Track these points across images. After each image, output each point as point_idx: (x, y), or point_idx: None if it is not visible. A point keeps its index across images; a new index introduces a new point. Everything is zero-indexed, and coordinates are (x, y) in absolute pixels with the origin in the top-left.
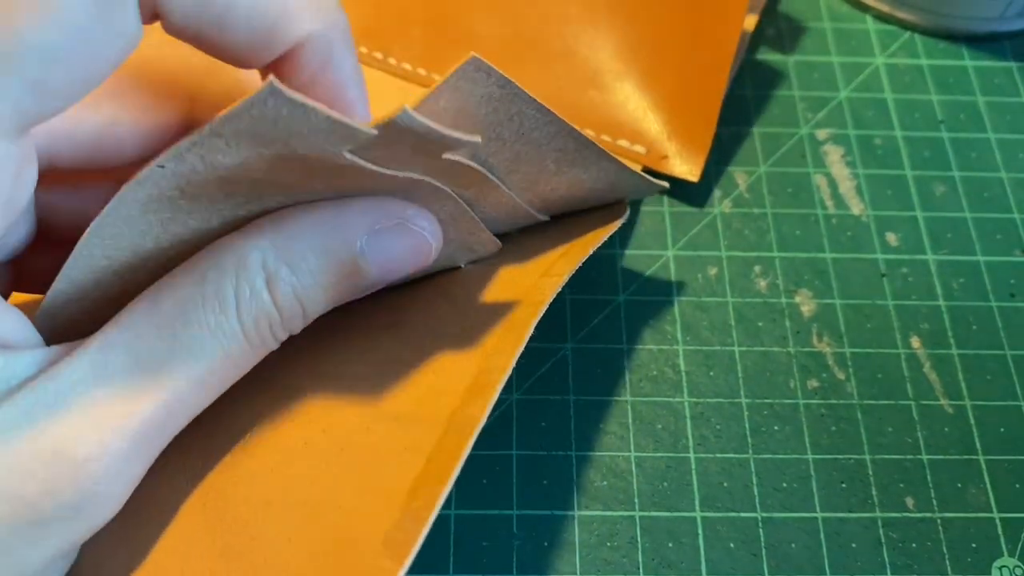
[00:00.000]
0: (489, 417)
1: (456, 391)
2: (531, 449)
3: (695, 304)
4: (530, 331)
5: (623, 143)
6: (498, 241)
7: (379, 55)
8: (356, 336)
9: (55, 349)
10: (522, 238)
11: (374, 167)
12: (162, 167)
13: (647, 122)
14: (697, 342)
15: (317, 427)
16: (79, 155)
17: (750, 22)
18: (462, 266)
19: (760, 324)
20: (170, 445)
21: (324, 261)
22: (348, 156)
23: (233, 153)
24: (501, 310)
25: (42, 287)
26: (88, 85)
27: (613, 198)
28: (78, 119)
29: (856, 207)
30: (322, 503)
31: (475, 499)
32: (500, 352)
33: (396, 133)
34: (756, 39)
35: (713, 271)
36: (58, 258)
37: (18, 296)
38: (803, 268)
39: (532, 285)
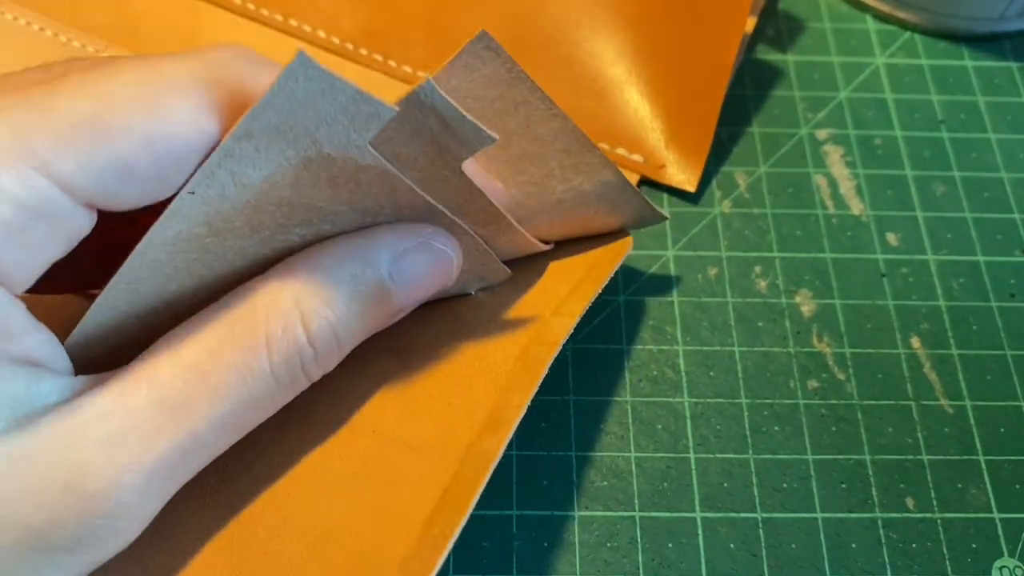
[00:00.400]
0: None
1: (472, 425)
2: (531, 449)
3: (695, 304)
4: (545, 371)
5: (621, 151)
6: (509, 271)
7: (379, 57)
8: (370, 363)
9: (82, 379)
10: (529, 263)
11: (396, 172)
12: (192, 193)
13: (645, 131)
14: (697, 342)
15: (334, 452)
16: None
17: (749, 24)
18: (472, 293)
19: (760, 324)
20: None
21: (355, 290)
22: (371, 153)
23: (262, 162)
24: (514, 345)
25: (63, 287)
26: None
27: (615, 224)
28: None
29: (856, 207)
30: (338, 527)
31: None
32: (515, 390)
33: (418, 114)
34: (755, 39)
35: (713, 271)
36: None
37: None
38: (803, 268)
39: (544, 323)
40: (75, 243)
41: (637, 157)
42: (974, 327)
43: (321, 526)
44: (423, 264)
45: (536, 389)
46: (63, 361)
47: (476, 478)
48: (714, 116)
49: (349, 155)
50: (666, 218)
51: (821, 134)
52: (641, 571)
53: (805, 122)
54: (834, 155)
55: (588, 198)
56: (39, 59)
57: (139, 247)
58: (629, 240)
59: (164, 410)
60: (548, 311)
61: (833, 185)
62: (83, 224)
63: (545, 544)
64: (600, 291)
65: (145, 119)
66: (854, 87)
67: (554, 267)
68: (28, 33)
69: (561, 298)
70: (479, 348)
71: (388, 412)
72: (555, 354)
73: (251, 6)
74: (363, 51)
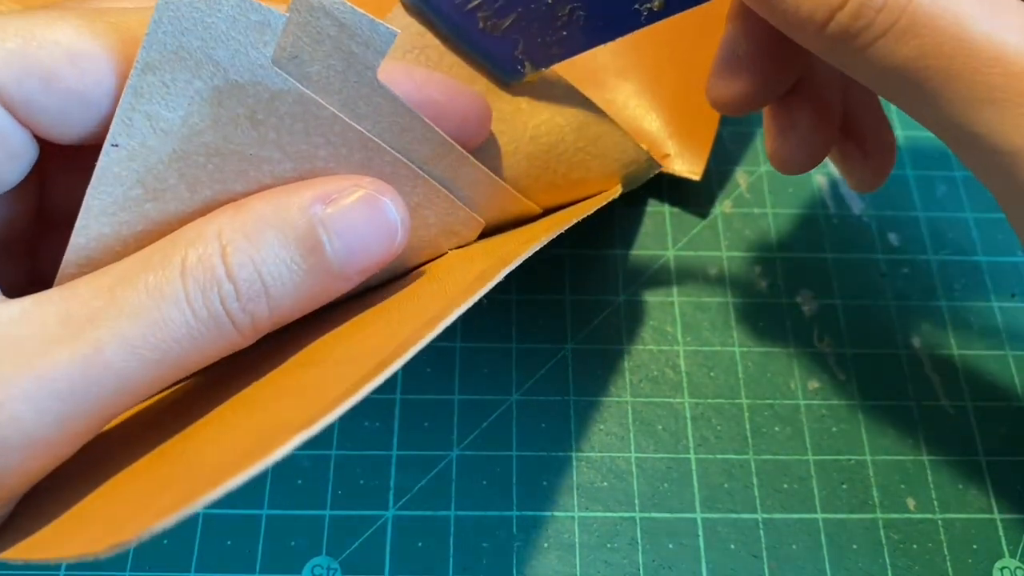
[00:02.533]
0: (489, 417)
1: (414, 326)
2: (531, 449)
3: (695, 304)
4: (499, 277)
5: None
6: (480, 219)
7: None
8: (335, 322)
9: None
10: (510, 229)
11: (310, 93)
12: (115, 145)
13: (648, 121)
14: (697, 342)
15: (281, 385)
16: (89, 132)
17: None
18: (447, 252)
19: (761, 324)
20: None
21: (282, 232)
22: (278, 73)
23: (173, 98)
24: (474, 268)
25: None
26: None
27: (605, 176)
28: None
29: (856, 207)
30: (257, 424)
31: (475, 500)
32: (463, 294)
33: (310, 20)
34: None
35: (713, 271)
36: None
37: None
38: (804, 268)
39: (508, 250)
40: (16, 172)
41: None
42: (974, 327)
43: (241, 431)
44: (360, 217)
45: (486, 290)
46: None
47: (398, 354)
48: None
49: (257, 80)
50: (659, 166)
51: None
52: (641, 571)
53: None
54: (835, 155)
55: (564, 133)
56: None
57: (79, 220)
58: (617, 188)
59: (70, 324)
60: (515, 244)
61: (833, 185)
62: (19, 143)
63: (545, 545)
64: (576, 221)
65: (73, 37)
66: None
67: (537, 222)
68: None
69: (535, 234)
70: (438, 282)
71: (340, 344)
72: (514, 264)
73: None
74: None
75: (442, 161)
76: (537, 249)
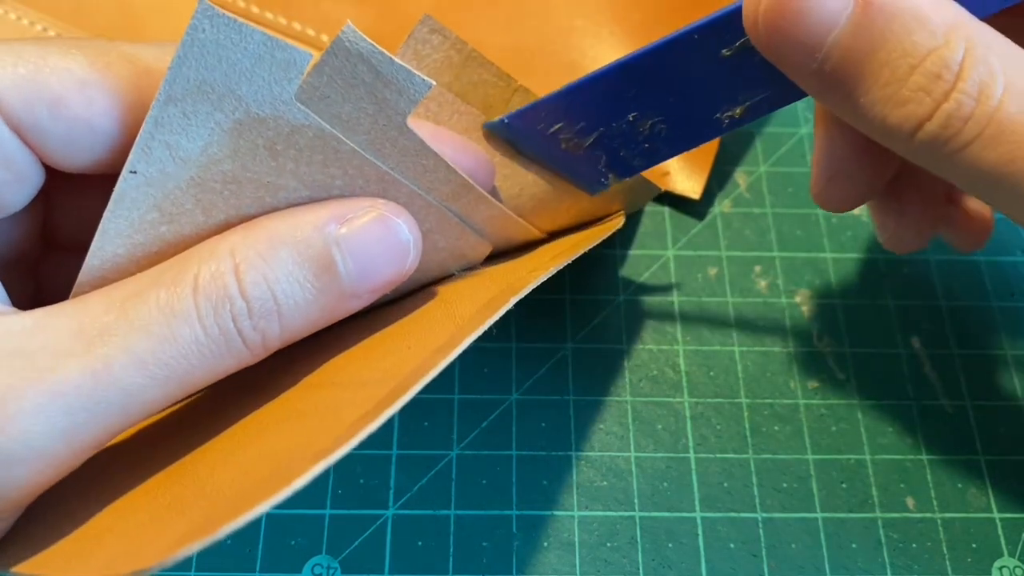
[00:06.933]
0: (489, 417)
1: (423, 354)
2: (531, 449)
3: (695, 304)
4: (508, 306)
5: None
6: (488, 243)
7: None
8: (348, 345)
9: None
10: (517, 252)
11: (332, 130)
12: (134, 173)
13: None
14: (697, 342)
15: (290, 405)
16: (95, 160)
17: None
18: (455, 274)
19: (760, 324)
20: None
21: (297, 251)
22: (300, 109)
23: (194, 129)
24: (484, 295)
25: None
26: None
27: (606, 207)
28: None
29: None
30: (272, 449)
31: (475, 499)
32: (472, 322)
33: (347, 65)
34: None
35: (713, 271)
36: (77, 266)
37: None
38: (803, 268)
39: (518, 278)
40: (22, 195)
41: None
42: (974, 327)
43: (256, 454)
44: (373, 236)
45: (493, 320)
46: (2, 296)
47: (411, 383)
48: None
49: (279, 114)
50: (659, 190)
51: None
52: (641, 571)
53: (805, 121)
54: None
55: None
56: None
57: (95, 242)
58: (621, 216)
59: (81, 337)
60: (525, 271)
61: None
62: (26, 167)
63: (545, 544)
64: (581, 253)
65: (85, 66)
66: None
67: (545, 247)
68: (31, 33)
69: (543, 262)
70: (448, 305)
71: (351, 365)
72: (522, 293)
73: (255, 9)
74: None
75: (460, 200)
76: (544, 280)
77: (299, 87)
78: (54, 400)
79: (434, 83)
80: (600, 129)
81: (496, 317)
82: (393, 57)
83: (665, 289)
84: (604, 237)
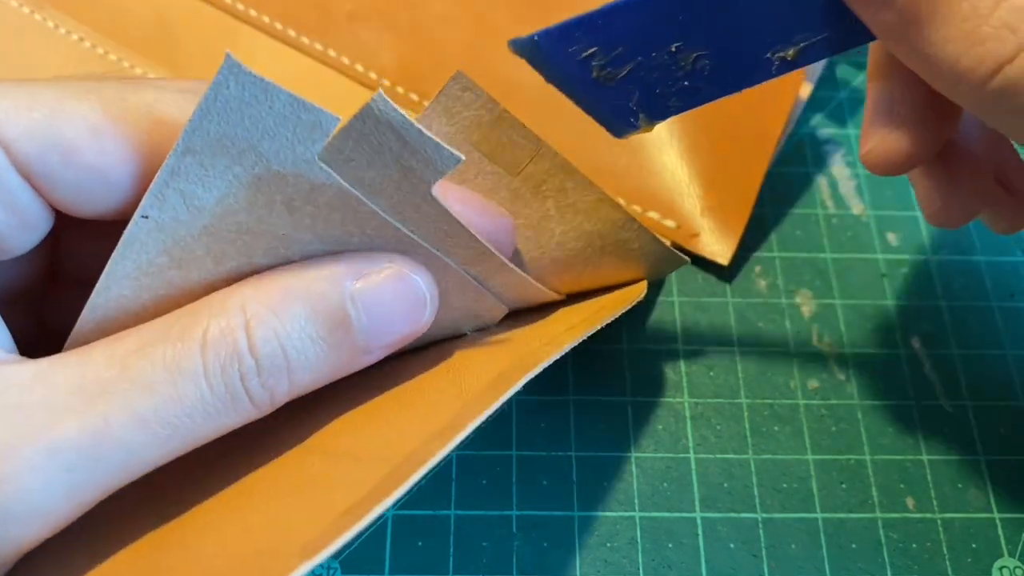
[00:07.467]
0: (489, 417)
1: (424, 435)
2: (531, 449)
3: (695, 304)
4: (516, 387)
5: (653, 215)
6: (503, 306)
7: (415, 97)
8: (343, 393)
9: (21, 359)
10: (533, 313)
11: (353, 192)
12: (146, 217)
13: (681, 195)
14: (697, 342)
15: (280, 471)
16: (106, 208)
17: (804, 89)
18: (467, 334)
19: (760, 324)
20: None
21: (310, 307)
22: (322, 169)
23: (210, 181)
24: (493, 369)
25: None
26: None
27: (630, 272)
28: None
29: (856, 207)
30: (257, 527)
31: (475, 499)
32: (478, 404)
33: (375, 132)
34: None
35: (713, 271)
36: (80, 301)
37: None
38: (803, 268)
39: (530, 352)
40: (30, 242)
41: (670, 223)
42: (974, 327)
43: (241, 528)
44: (389, 293)
45: (500, 403)
46: (8, 343)
47: (406, 474)
48: (757, 184)
49: (300, 172)
50: (686, 261)
51: (822, 134)
52: (641, 571)
53: (805, 122)
54: (834, 155)
55: (592, 239)
56: (74, 70)
57: (101, 282)
58: (643, 285)
59: (81, 394)
60: (538, 343)
61: (833, 185)
62: (35, 215)
63: (545, 544)
64: (596, 329)
65: (100, 113)
66: (855, 86)
67: (561, 312)
68: (67, 43)
69: (556, 334)
70: (455, 373)
71: (347, 431)
72: (533, 372)
73: (292, 32)
74: (399, 89)
75: (479, 265)
76: (559, 357)
77: (323, 148)
78: (53, 458)
79: (463, 157)
80: (638, 58)
81: (504, 399)
82: (423, 129)
83: (665, 289)
84: (624, 309)
